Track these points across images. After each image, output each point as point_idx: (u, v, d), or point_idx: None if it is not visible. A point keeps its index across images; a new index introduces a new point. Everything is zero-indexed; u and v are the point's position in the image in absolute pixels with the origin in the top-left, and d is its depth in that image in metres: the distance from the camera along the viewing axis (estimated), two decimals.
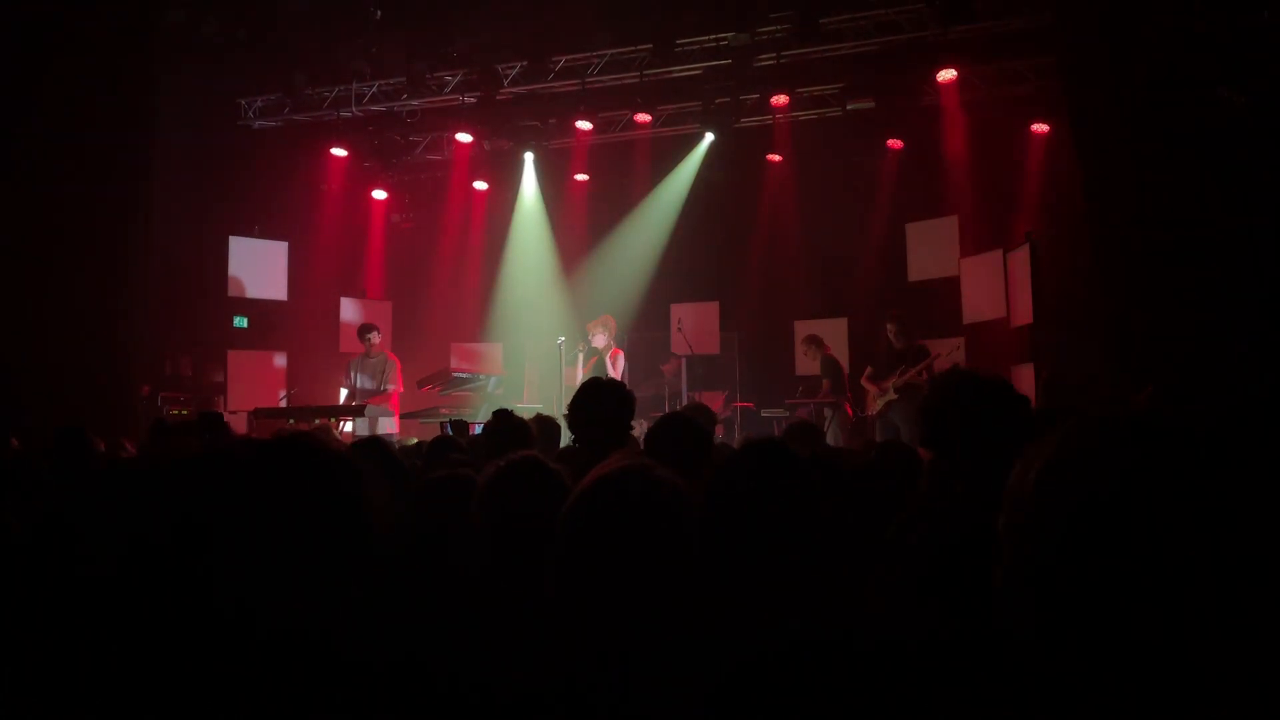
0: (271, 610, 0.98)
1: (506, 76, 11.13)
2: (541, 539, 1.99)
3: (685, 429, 3.07)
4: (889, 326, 9.09)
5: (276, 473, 1.08)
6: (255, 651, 0.97)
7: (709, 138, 11.73)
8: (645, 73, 10.87)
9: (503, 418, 3.96)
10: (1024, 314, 9.30)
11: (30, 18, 8.12)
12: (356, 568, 1.05)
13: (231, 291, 11.67)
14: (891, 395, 8.87)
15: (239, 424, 9.72)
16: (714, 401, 10.54)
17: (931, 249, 10.92)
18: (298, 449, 1.12)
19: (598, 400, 3.63)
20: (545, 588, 1.58)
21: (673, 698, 1.37)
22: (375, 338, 9.74)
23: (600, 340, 9.03)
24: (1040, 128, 10.28)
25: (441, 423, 6.99)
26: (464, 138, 12.15)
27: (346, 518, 1.08)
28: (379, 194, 13.31)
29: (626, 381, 8.95)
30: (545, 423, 5.19)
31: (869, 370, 9.27)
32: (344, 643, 1.03)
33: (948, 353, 9.06)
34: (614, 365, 8.89)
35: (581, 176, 12.80)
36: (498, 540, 2.09)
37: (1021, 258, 9.35)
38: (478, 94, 11.27)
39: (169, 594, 0.99)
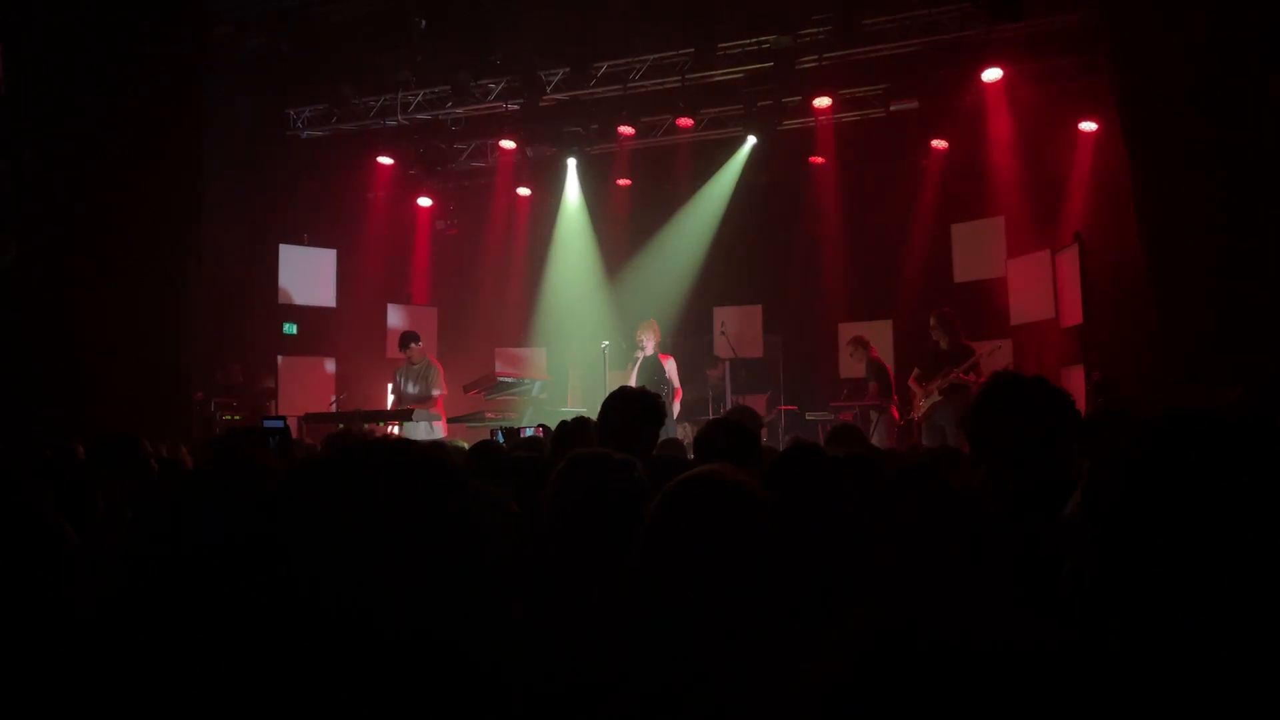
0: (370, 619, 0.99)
1: (549, 83, 11.20)
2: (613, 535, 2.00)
3: (733, 433, 3.08)
4: (932, 325, 8.98)
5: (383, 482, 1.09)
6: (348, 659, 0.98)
7: (751, 141, 11.71)
8: (687, 77, 10.88)
9: (578, 423, 4.01)
10: (1073, 315, 9.17)
11: (82, 36, 8.32)
12: (462, 579, 1.06)
13: (281, 299, 11.86)
14: (936, 397, 8.78)
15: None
16: (758, 405, 10.51)
17: (977, 250, 10.81)
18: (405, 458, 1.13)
19: (620, 409, 3.62)
20: (621, 590, 1.58)
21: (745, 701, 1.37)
22: (417, 347, 9.86)
23: (651, 347, 9.08)
24: (1088, 126, 10.12)
25: (492, 429, 7.05)
26: (507, 144, 12.24)
27: (448, 530, 1.08)
28: (424, 201, 13.46)
29: (678, 385, 9.02)
30: (587, 426, 5.22)
31: (916, 372, 9.18)
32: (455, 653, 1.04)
33: (989, 352, 8.94)
34: (669, 369, 8.97)
35: (624, 181, 12.83)
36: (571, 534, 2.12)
37: (1070, 258, 9.22)
38: (520, 101, 11.36)
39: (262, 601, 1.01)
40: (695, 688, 1.41)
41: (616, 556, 1.71)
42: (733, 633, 1.45)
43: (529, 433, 6.23)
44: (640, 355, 9.07)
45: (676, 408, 9.02)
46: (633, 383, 8.69)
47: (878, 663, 0.59)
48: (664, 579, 1.53)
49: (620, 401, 3.65)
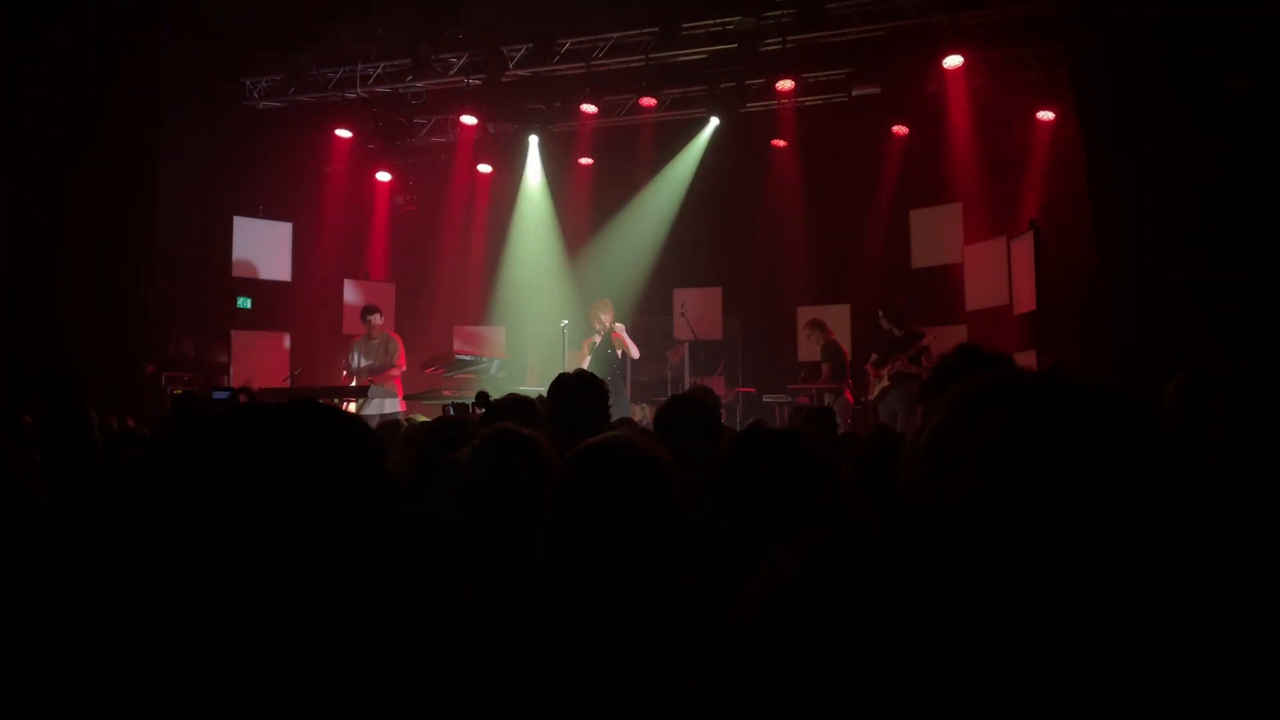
0: (305, 566, 0.99)
1: (511, 59, 11.10)
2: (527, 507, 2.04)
3: (694, 410, 3.09)
4: (880, 317, 9.06)
5: (305, 432, 1.10)
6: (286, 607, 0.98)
7: (714, 122, 11.70)
8: (651, 56, 10.84)
9: (515, 398, 3.98)
10: (1027, 302, 9.31)
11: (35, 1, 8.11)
12: (379, 527, 1.07)
13: (235, 272, 11.69)
14: (885, 382, 8.88)
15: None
16: (716, 386, 10.56)
17: (935, 236, 10.93)
18: (320, 411, 1.14)
19: (568, 396, 3.57)
20: (535, 555, 1.63)
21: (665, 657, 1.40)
22: (377, 319, 9.77)
23: (608, 324, 9.11)
24: (1046, 115, 10.25)
25: (444, 405, 7.01)
26: (469, 120, 12.13)
27: (369, 477, 1.09)
28: (383, 176, 13.30)
29: (635, 354, 9.11)
30: (529, 405, 5.21)
31: (874, 357, 9.28)
32: (370, 603, 1.05)
33: (931, 339, 9.04)
34: (628, 343, 9.01)
35: (586, 160, 12.78)
36: (485, 509, 2.14)
37: (1025, 245, 9.36)
38: (482, 76, 11.24)
39: (203, 551, 1.01)
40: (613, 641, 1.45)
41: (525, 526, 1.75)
42: (644, 589, 1.51)
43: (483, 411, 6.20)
44: (598, 337, 9.08)
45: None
46: (585, 363, 8.71)
47: (818, 579, 0.58)
48: (569, 542, 1.59)
49: (564, 389, 3.62)
